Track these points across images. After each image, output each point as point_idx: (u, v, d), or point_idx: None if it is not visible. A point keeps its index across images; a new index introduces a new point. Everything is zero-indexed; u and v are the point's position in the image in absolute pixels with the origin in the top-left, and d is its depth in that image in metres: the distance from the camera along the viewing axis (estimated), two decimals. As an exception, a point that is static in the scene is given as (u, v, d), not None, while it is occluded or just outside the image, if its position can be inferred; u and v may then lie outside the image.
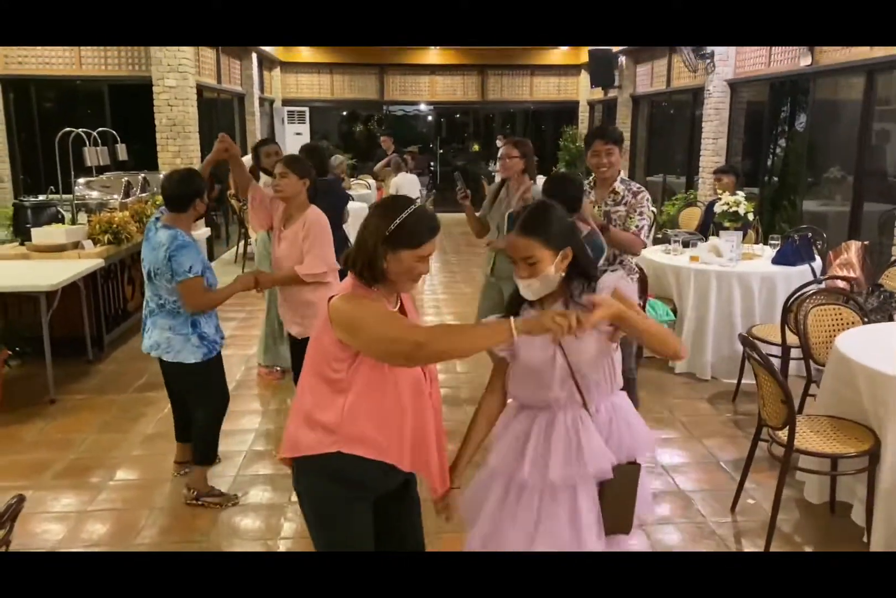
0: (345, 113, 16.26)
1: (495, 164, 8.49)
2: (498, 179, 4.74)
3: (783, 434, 3.05)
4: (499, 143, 9.33)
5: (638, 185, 3.92)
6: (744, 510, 3.39)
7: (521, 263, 2.02)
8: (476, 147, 16.26)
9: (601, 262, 3.61)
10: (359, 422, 1.88)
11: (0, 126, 8.99)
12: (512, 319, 1.87)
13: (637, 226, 3.75)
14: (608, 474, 2.08)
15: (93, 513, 3.36)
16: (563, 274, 2.05)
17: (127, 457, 3.91)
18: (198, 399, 3.39)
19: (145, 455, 3.93)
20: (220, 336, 3.42)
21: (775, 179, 8.99)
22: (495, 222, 4.28)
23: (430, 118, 16.44)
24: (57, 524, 3.27)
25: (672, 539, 3.18)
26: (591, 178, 4.02)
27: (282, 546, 3.10)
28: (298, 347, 3.50)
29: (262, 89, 12.85)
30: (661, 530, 3.24)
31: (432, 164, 15.78)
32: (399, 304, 2.02)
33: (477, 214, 4.39)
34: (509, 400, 2.24)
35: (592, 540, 2.07)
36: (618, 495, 2.10)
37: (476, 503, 2.20)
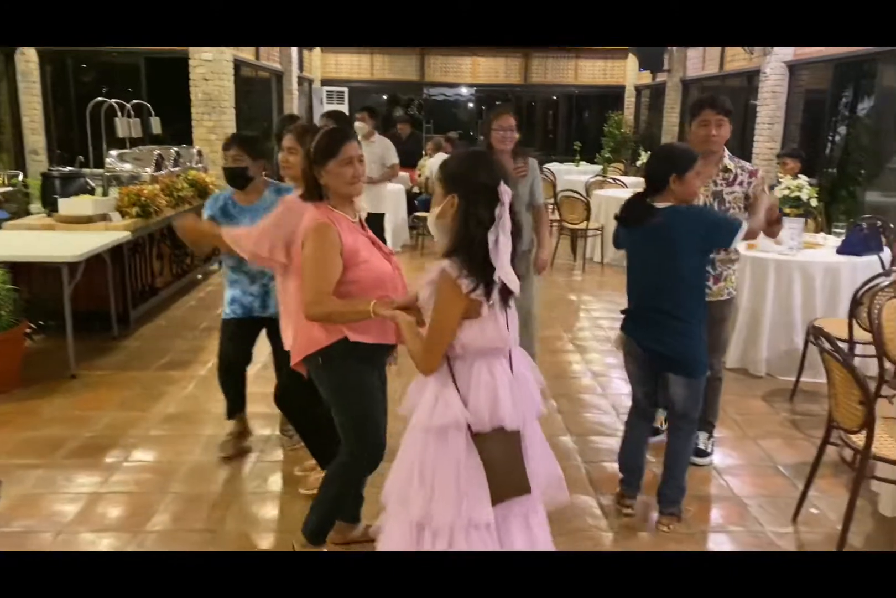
0: (385, 96, 16.00)
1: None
2: None
3: (857, 438, 2.74)
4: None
5: (749, 163, 3.46)
6: (807, 520, 3.07)
7: None
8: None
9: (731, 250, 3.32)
10: None
11: (37, 99, 8.92)
12: (373, 302, 2.15)
13: None
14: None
15: (104, 495, 3.17)
16: (453, 223, 1.94)
17: (145, 437, 3.72)
18: None
19: (164, 436, 3.74)
20: (242, 303, 3.33)
21: (832, 170, 8.54)
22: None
23: (470, 104, 16.13)
24: (67, 505, 3.09)
25: (726, 549, 2.89)
26: None
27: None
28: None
29: (301, 68, 12.65)
30: (714, 538, 2.95)
31: (472, 149, 15.46)
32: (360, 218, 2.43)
33: None
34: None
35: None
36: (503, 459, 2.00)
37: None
